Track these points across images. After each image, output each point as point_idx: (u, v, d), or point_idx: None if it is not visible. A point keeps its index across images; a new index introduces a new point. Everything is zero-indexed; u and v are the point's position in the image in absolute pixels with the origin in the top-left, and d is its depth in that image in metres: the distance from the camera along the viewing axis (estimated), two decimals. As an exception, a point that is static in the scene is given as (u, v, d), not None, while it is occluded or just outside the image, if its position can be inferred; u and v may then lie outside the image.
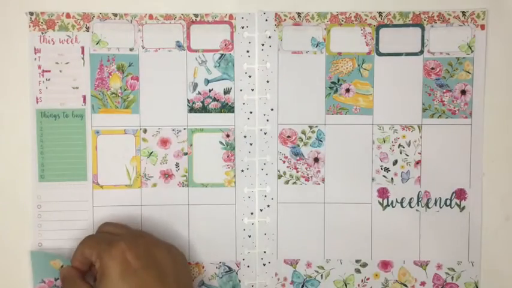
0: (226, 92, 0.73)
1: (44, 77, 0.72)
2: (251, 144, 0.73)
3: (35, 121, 0.72)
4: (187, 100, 0.73)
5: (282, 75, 0.73)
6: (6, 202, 0.72)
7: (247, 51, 0.73)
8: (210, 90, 0.73)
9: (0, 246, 0.72)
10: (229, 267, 0.74)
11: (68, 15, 0.72)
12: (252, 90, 0.73)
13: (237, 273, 0.74)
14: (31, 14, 0.72)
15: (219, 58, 0.73)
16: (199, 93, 0.73)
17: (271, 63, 0.73)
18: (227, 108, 0.73)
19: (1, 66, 0.72)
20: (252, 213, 0.73)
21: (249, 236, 0.74)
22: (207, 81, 0.73)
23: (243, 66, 0.73)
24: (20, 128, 0.72)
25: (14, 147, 0.72)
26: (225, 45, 0.73)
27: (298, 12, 0.73)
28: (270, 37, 0.73)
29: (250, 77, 0.73)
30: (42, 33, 0.72)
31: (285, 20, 0.73)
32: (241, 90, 0.73)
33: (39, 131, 0.72)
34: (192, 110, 0.73)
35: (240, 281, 0.74)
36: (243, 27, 0.73)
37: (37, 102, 0.72)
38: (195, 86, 0.73)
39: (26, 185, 0.72)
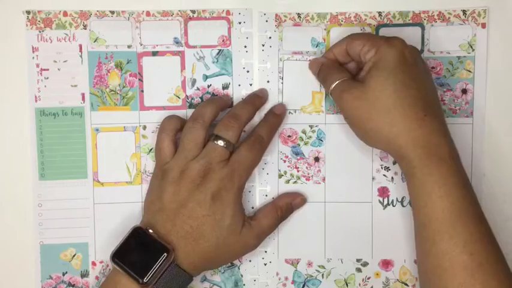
0: (225, 87, 0.73)
1: (42, 76, 0.72)
2: (250, 139, 0.73)
3: (34, 120, 0.72)
4: (186, 96, 0.73)
5: (283, 75, 0.73)
6: (6, 201, 0.73)
7: (245, 47, 0.73)
8: (208, 86, 0.73)
9: (2, 245, 0.73)
10: (231, 262, 0.74)
11: (65, 13, 0.71)
12: (251, 85, 0.73)
13: (239, 268, 0.74)
14: (28, 12, 0.71)
15: (217, 54, 0.73)
16: (197, 89, 0.73)
17: (272, 64, 0.73)
18: (226, 103, 0.73)
19: (-1, 65, 0.72)
20: (252, 207, 0.73)
21: (251, 231, 0.74)
22: (206, 77, 0.73)
23: (241, 61, 0.73)
24: (19, 127, 0.72)
25: (14, 146, 0.72)
26: (223, 40, 0.73)
27: (298, 13, 0.72)
28: (270, 38, 0.73)
29: (248, 72, 0.73)
30: (40, 31, 0.72)
31: (285, 20, 0.72)
32: (239, 85, 0.73)
33: (38, 129, 0.72)
34: (191, 105, 0.73)
35: (242, 275, 0.74)
36: (240, 23, 0.72)
37: (36, 101, 0.72)
38: (194, 81, 0.73)
39: (27, 184, 0.72)
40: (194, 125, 0.67)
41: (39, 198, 0.72)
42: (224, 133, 0.67)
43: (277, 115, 0.72)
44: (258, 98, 0.72)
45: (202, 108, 0.68)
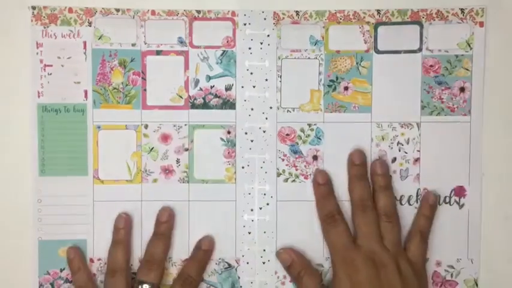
0: (228, 88, 0.73)
1: (45, 72, 0.72)
2: (252, 141, 0.73)
3: (36, 115, 0.72)
4: (189, 96, 0.73)
5: (281, 74, 0.73)
6: (6, 196, 0.72)
7: (249, 48, 0.73)
8: (211, 87, 0.73)
9: (1, 241, 0.73)
10: (228, 264, 0.74)
11: (70, 10, 0.72)
12: (254, 87, 0.73)
13: (236, 270, 0.74)
14: (33, 8, 0.72)
15: (221, 55, 0.73)
16: (200, 89, 0.73)
17: (270, 62, 0.73)
18: (228, 104, 0.73)
19: (3, 60, 0.72)
20: (252, 210, 0.73)
21: (249, 233, 0.74)
22: (209, 78, 0.73)
23: (245, 63, 0.73)
24: (21, 122, 0.72)
25: (15, 141, 0.72)
26: (227, 42, 0.73)
27: (297, 11, 0.73)
28: (268, 35, 0.73)
29: (251, 73, 0.73)
30: (45, 27, 0.72)
31: (283, 18, 0.73)
32: (242, 87, 0.73)
33: (40, 125, 0.72)
34: (193, 106, 0.73)
35: (239, 277, 0.74)
36: (245, 24, 0.73)
37: (38, 96, 0.72)
38: (197, 82, 0.73)
39: (27, 179, 0.72)
40: (114, 280, 0.70)
41: (39, 193, 0.72)
42: (146, 277, 0.69)
43: (205, 251, 0.72)
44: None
45: (115, 257, 0.70)
